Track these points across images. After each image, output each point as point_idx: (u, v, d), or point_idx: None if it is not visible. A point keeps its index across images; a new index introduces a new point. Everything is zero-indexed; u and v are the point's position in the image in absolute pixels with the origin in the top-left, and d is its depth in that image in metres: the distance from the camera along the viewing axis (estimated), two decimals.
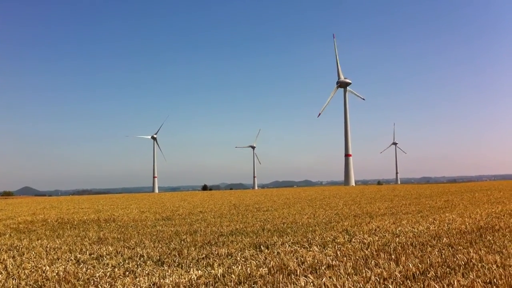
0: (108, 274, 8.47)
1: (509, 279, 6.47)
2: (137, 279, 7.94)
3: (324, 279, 7.18)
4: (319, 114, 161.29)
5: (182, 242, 12.62)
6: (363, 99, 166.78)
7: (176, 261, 9.58)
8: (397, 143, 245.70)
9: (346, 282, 6.88)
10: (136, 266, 9.19)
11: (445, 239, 10.97)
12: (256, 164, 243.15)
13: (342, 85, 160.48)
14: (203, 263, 9.19)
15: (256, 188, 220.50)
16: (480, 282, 6.45)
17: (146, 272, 8.53)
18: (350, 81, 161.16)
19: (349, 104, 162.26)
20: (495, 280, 6.52)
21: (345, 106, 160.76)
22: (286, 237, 12.62)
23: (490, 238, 10.75)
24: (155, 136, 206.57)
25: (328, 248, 10.34)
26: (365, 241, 11.25)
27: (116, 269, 8.85)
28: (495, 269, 7.20)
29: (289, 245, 11.08)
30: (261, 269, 8.29)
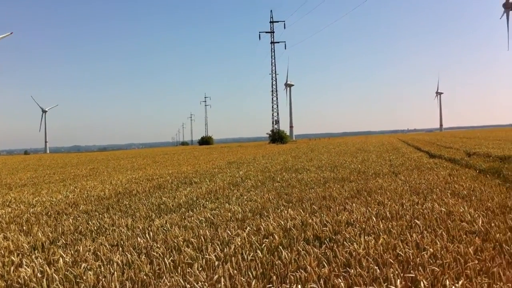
0: None
1: (134, 240, 6.85)
2: None
3: None
4: None
5: None
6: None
7: None
8: (46, 111, 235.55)
9: None
10: None
11: (82, 206, 10.98)
12: None
13: None
14: None
15: None
16: (107, 244, 6.64)
17: None
18: None
19: None
20: (121, 241, 6.82)
21: None
22: None
23: (127, 203, 11.24)
24: None
25: None
26: None
27: None
28: (124, 232, 7.54)
29: None
30: None
